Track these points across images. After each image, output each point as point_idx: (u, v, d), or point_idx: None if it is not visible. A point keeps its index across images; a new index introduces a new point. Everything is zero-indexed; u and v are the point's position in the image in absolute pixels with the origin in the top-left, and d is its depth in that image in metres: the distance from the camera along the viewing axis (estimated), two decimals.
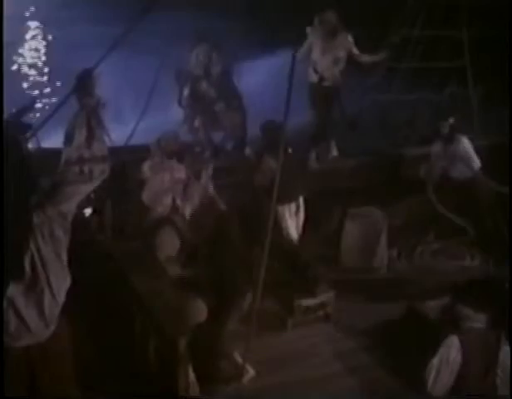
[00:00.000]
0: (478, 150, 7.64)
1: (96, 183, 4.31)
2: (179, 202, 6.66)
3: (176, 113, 9.02)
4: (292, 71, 4.55)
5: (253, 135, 8.31)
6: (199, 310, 5.24)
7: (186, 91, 8.80)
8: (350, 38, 8.53)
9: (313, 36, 8.48)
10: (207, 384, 5.14)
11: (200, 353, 5.16)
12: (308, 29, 8.43)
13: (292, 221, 7.16)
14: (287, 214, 7.08)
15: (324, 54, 8.46)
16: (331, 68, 8.56)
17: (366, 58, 8.64)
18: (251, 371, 5.36)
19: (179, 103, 8.93)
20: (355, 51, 8.55)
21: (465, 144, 7.60)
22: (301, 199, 7.14)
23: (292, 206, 7.13)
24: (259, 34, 10.31)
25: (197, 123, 8.83)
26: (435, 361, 4.36)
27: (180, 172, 6.70)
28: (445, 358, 4.31)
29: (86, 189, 4.24)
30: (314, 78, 8.50)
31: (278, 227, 6.81)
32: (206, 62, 8.81)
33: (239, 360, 5.31)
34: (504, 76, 7.99)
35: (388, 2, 8.93)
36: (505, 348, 4.35)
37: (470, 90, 7.65)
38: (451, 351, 4.32)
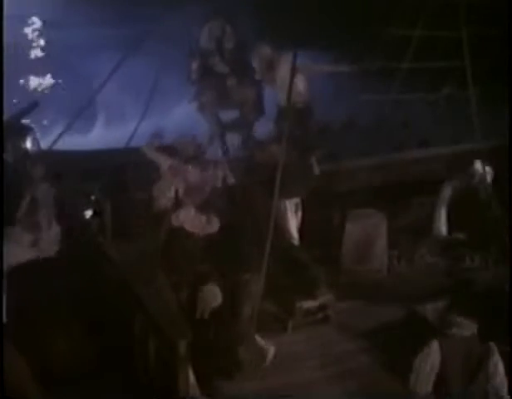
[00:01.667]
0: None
1: None
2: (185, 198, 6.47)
3: (177, 114, 9.01)
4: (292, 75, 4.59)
5: None
6: (215, 295, 5.41)
7: (195, 65, 8.45)
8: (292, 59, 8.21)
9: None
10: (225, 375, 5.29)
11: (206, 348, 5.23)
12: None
13: (293, 221, 7.17)
14: (289, 213, 7.08)
15: (282, 87, 7.62)
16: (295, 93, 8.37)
17: (328, 68, 8.47)
18: (271, 350, 5.42)
19: (189, 78, 8.56)
20: (311, 66, 8.03)
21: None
22: (299, 201, 7.16)
23: (293, 205, 7.13)
24: (260, 35, 10.31)
25: (205, 98, 8.46)
26: (416, 362, 4.58)
27: (195, 177, 6.55)
28: (425, 360, 4.52)
29: None
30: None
31: (279, 226, 6.81)
32: (219, 36, 8.49)
33: (261, 342, 5.38)
34: (504, 76, 7.98)
35: (388, 1, 8.90)
36: (495, 359, 4.40)
37: (470, 90, 7.63)
38: (432, 354, 4.52)
